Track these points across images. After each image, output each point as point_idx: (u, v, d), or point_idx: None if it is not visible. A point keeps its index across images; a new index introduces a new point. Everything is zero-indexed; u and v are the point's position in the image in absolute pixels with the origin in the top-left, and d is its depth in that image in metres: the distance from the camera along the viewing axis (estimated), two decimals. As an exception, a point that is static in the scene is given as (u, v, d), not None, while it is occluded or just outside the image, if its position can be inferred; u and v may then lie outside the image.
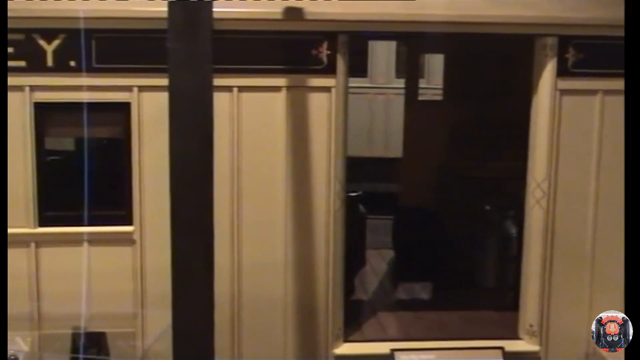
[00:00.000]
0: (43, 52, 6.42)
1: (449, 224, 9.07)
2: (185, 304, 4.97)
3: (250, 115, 6.56)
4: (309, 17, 6.42)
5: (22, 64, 6.44)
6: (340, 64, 6.55)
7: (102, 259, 6.58)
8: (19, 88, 6.43)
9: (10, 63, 6.38)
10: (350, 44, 6.63)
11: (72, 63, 6.44)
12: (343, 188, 6.71)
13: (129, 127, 6.54)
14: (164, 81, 6.23)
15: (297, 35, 6.50)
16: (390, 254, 9.68)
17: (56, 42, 6.43)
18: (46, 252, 6.59)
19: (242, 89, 6.54)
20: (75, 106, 6.46)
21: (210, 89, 5.04)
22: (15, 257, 6.49)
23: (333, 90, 6.57)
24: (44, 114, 6.52)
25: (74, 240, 6.54)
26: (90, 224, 6.47)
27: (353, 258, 7.75)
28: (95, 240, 6.56)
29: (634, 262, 4.91)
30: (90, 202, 6.55)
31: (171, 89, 4.96)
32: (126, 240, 6.61)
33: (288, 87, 6.55)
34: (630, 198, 5.12)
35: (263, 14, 6.41)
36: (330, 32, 6.50)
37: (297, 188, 6.63)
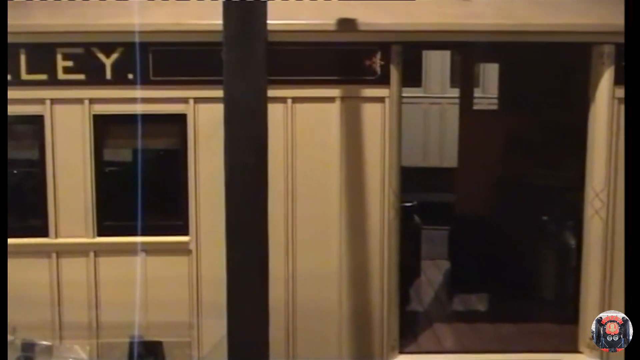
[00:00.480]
0: (102, 66, 6.57)
1: (506, 234, 8.93)
2: (240, 313, 5.00)
3: (304, 126, 6.59)
4: (362, 27, 6.43)
5: (82, 77, 6.59)
6: (394, 74, 6.53)
7: (159, 269, 6.68)
8: (79, 101, 6.60)
9: (70, 76, 6.58)
10: (404, 53, 6.61)
11: (130, 76, 6.57)
12: (397, 198, 6.68)
13: (185, 138, 6.63)
14: (219, 93, 6.32)
15: (350, 46, 6.52)
16: (445, 264, 9.59)
17: (114, 56, 6.56)
18: (105, 261, 6.71)
19: (296, 99, 6.57)
20: (133, 118, 6.60)
21: (264, 99, 5.07)
22: (75, 267, 6.67)
23: (387, 100, 6.55)
24: (103, 125, 6.66)
25: (132, 250, 6.65)
26: (147, 234, 6.60)
27: (408, 268, 7.68)
28: (152, 249, 6.67)
29: (634, 262, 4.85)
30: (147, 212, 6.68)
31: (226, 100, 5.01)
32: (182, 250, 6.68)
33: (342, 98, 6.55)
34: (631, 198, 5.05)
35: (317, 25, 6.45)
36: (383, 42, 6.50)
37: (352, 198, 6.62)
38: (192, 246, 6.68)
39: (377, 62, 6.52)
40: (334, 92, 6.54)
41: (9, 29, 6.42)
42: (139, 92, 6.53)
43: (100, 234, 6.70)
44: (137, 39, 6.39)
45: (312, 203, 6.63)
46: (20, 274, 6.62)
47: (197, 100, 6.60)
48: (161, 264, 6.69)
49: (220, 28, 5.94)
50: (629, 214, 5.14)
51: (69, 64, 6.58)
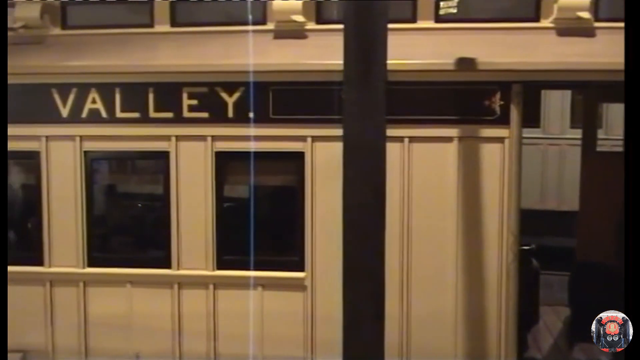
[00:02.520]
0: (224, 104, 6.79)
1: (631, 282, 8.50)
2: (355, 352, 4.97)
3: (421, 165, 6.56)
4: (481, 67, 6.37)
5: (205, 115, 6.83)
6: (514, 114, 6.42)
7: (274, 303, 6.77)
8: (202, 138, 6.83)
9: (195, 114, 6.83)
10: (524, 93, 6.49)
11: (251, 114, 6.75)
12: (516, 241, 6.50)
13: (302, 176, 6.74)
14: (336, 131, 6.43)
15: (469, 85, 6.47)
16: (565, 311, 9.21)
17: (236, 95, 6.77)
18: (223, 294, 6.86)
19: (413, 139, 6.57)
20: (252, 155, 6.78)
21: (383, 138, 5.09)
22: (195, 298, 6.85)
23: (506, 141, 6.44)
24: (224, 162, 6.87)
25: (249, 284, 6.78)
26: (264, 269, 6.72)
27: (526, 314, 7.44)
28: (268, 284, 6.77)
29: (634, 262, 4.75)
30: (264, 247, 6.83)
31: (345, 138, 5.06)
32: (298, 285, 6.75)
33: (460, 138, 6.49)
34: (630, 198, 4.96)
35: (435, 64, 6.44)
36: (503, 82, 6.41)
37: (469, 239, 6.51)
38: (308, 282, 6.74)
39: (497, 101, 6.43)
40: (452, 131, 6.50)
41: (138, 69, 6.81)
42: (252, 130, 6.73)
43: (219, 268, 6.86)
44: (251, 79, 6.61)
45: (427, 243, 6.57)
46: (144, 302, 6.89)
47: (315, 138, 6.70)
48: (277, 299, 6.79)
49: (339, 68, 6.09)
50: (629, 214, 5.02)
51: (194, 102, 6.84)
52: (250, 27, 6.86)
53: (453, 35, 6.74)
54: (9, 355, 6.90)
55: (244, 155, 6.81)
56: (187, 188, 6.87)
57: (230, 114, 6.79)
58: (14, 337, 7.05)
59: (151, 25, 7.27)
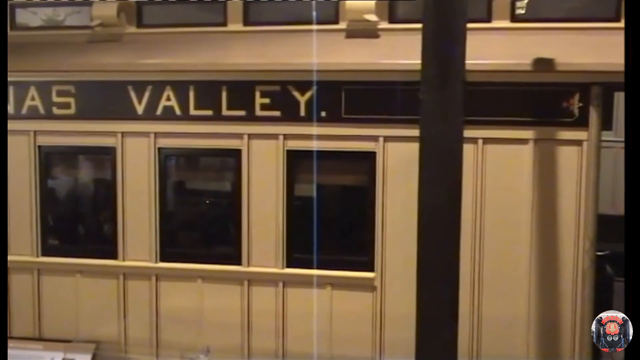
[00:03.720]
0: (297, 103, 6.81)
1: None
2: (429, 354, 4.94)
3: (494, 167, 6.47)
4: (560, 68, 6.23)
5: (277, 113, 6.87)
6: (593, 117, 6.27)
7: (343, 303, 6.77)
8: (274, 136, 6.87)
9: (267, 113, 6.87)
10: (604, 95, 6.33)
11: (323, 113, 6.76)
12: (593, 247, 6.36)
13: (373, 176, 6.71)
14: (408, 132, 6.45)
15: (547, 86, 6.34)
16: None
17: (308, 94, 6.79)
18: (292, 292, 6.89)
19: (487, 140, 6.47)
20: (323, 154, 6.79)
21: (460, 140, 5.05)
22: (264, 296, 6.90)
23: (584, 144, 6.29)
24: (294, 160, 6.89)
25: (318, 283, 6.79)
26: (333, 268, 6.73)
27: (599, 321, 7.27)
28: (337, 284, 6.78)
29: (634, 261, 4.74)
30: (333, 246, 6.84)
31: (422, 139, 5.03)
32: (367, 286, 6.73)
33: (535, 140, 6.37)
34: (630, 199, 4.91)
35: (512, 65, 6.33)
36: (583, 83, 6.26)
37: (543, 243, 6.38)
38: (377, 283, 6.71)
39: (575, 103, 6.29)
40: (528, 133, 6.38)
41: (212, 68, 6.88)
42: (323, 129, 6.74)
43: (289, 266, 6.89)
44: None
45: (500, 246, 6.47)
46: (215, 298, 6.98)
47: (387, 138, 6.67)
48: (345, 298, 6.78)
49: (413, 68, 6.04)
50: (629, 214, 4.96)
51: (266, 101, 6.88)
52: (314, 27, 6.85)
53: (530, 35, 6.61)
54: (84, 345, 7.11)
55: (315, 154, 6.83)
56: (258, 186, 6.91)
57: (302, 112, 6.80)
58: (88, 329, 7.26)
59: (224, 24, 7.32)
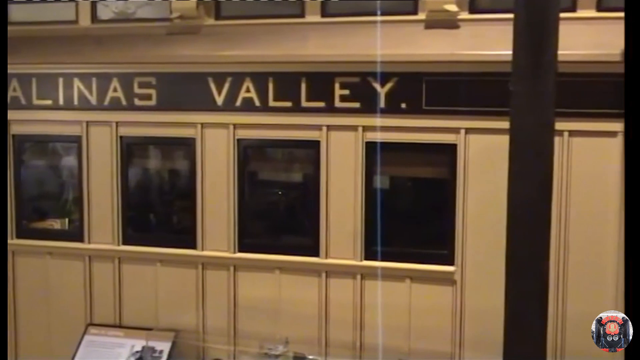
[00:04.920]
0: (376, 94, 6.76)
1: None
2: (518, 351, 4.85)
3: (581, 160, 6.32)
4: (651, 57, 6.02)
5: (357, 105, 6.83)
6: (686, 109, 6.04)
7: (422, 296, 6.72)
8: (353, 128, 6.84)
9: (346, 104, 6.84)
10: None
11: (403, 105, 6.70)
12: None
13: (454, 169, 6.62)
14: (490, 123, 6.35)
15: (637, 77, 6.14)
16: None
17: (389, 85, 6.73)
18: (370, 284, 6.87)
19: (573, 133, 6.32)
20: (403, 146, 6.74)
21: (551, 132, 4.93)
22: (343, 287, 6.89)
23: None
24: (373, 152, 6.84)
25: (397, 276, 6.76)
26: (412, 261, 6.70)
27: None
28: (416, 277, 6.73)
29: (634, 262, 4.71)
30: (412, 239, 6.79)
31: (512, 131, 4.93)
32: (447, 279, 6.66)
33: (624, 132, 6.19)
34: (630, 199, 4.83)
35: (601, 55, 6.16)
36: None
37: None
38: (457, 277, 6.64)
39: (667, 95, 6.07)
40: (616, 126, 6.19)
41: (292, 59, 6.89)
42: (411, 121, 6.68)
43: (367, 258, 6.87)
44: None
45: (587, 241, 6.32)
46: (292, 289, 7.00)
47: (469, 130, 6.57)
48: (425, 292, 6.73)
49: (498, 59, 5.94)
50: (629, 213, 4.89)
51: (346, 92, 6.85)
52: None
53: (616, 25, 6.41)
54: (164, 333, 7.22)
55: (393, 146, 6.79)
56: (336, 177, 6.90)
57: (382, 104, 6.75)
58: (167, 317, 7.37)
59: (302, 16, 7.32)
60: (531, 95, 4.82)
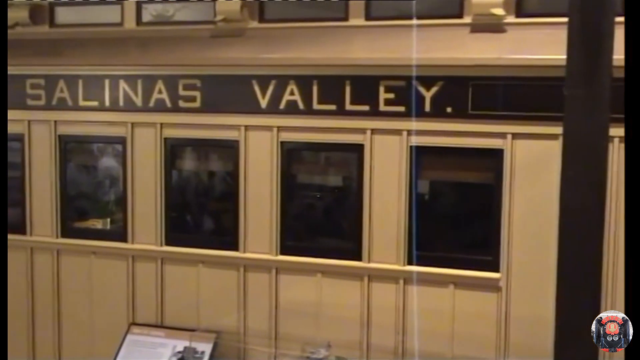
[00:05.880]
0: (422, 98, 6.71)
1: None
2: (569, 359, 4.77)
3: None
4: None
5: (402, 109, 6.78)
6: None
7: (466, 303, 6.64)
8: (397, 132, 6.79)
9: (391, 108, 6.81)
10: None
11: (448, 109, 6.65)
12: None
13: (500, 174, 6.54)
14: (537, 129, 6.28)
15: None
16: None
17: (434, 89, 6.68)
18: (412, 289, 6.81)
19: (623, 139, 6.20)
20: (448, 150, 6.69)
21: (606, 137, 4.82)
22: (385, 292, 6.85)
23: None
24: (419, 156, 6.78)
25: (440, 281, 6.70)
26: (456, 267, 6.63)
27: None
28: (460, 283, 6.66)
29: (634, 262, 4.66)
30: (457, 244, 6.73)
31: (566, 136, 4.83)
32: (492, 286, 6.58)
33: None
34: (631, 199, 4.77)
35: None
36: None
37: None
38: (502, 283, 6.55)
39: None
40: None
41: (336, 62, 6.88)
42: (457, 126, 6.63)
43: (409, 263, 6.82)
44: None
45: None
46: (334, 293, 6.98)
47: (515, 135, 6.49)
48: (469, 298, 6.65)
49: (547, 63, 5.87)
50: (629, 214, 4.82)
51: (391, 96, 6.81)
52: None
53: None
54: (206, 334, 7.23)
55: (438, 150, 6.75)
56: (380, 181, 6.86)
57: (427, 108, 6.70)
58: (209, 318, 7.39)
59: (346, 19, 7.31)
60: (586, 99, 4.73)
